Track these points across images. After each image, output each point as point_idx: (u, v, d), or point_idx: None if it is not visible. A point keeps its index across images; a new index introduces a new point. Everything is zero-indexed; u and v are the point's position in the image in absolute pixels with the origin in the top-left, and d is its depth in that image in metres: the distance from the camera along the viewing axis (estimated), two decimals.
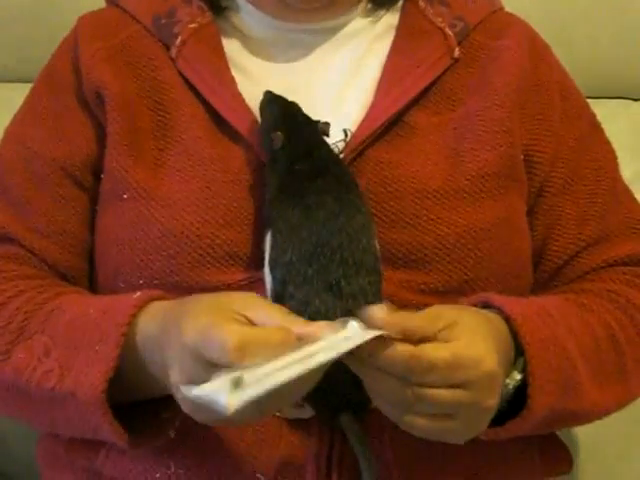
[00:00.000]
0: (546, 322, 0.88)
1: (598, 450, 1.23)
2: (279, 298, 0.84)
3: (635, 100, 1.36)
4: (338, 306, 0.82)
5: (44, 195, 0.98)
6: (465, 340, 0.77)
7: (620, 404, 0.95)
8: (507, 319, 0.85)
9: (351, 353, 0.74)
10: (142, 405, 0.86)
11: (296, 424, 0.89)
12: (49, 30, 1.23)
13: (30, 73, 1.08)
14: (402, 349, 0.75)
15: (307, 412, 0.87)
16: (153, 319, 0.83)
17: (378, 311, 0.76)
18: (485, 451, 0.91)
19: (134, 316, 0.83)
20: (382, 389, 0.77)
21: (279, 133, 0.89)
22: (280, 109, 0.92)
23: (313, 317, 0.81)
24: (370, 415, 0.87)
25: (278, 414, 0.89)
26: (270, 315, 0.76)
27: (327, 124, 0.92)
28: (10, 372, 0.88)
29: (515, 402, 0.85)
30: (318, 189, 0.87)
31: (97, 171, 0.99)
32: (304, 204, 0.85)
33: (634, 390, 0.96)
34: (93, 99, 0.98)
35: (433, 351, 0.76)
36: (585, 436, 1.21)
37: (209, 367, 0.73)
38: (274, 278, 0.84)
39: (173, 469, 0.89)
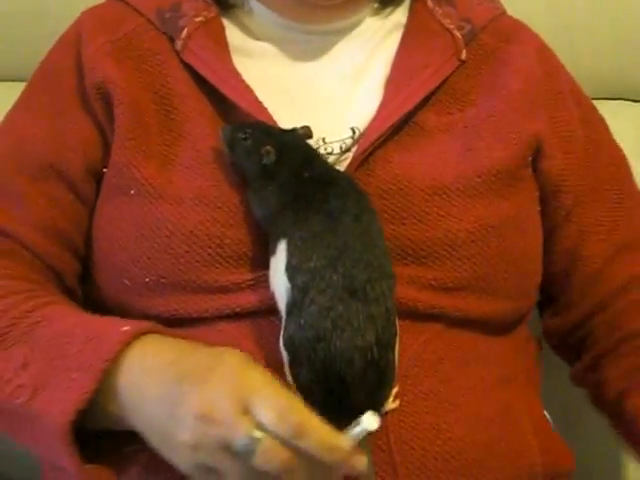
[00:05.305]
0: None
1: (602, 453, 1.24)
2: (296, 305, 0.83)
3: (636, 101, 1.36)
4: (361, 311, 0.82)
5: (37, 194, 0.97)
6: None
7: None
8: None
9: None
10: (103, 437, 0.85)
11: None
12: (46, 29, 1.21)
13: (26, 72, 1.06)
14: None
15: None
16: (147, 353, 0.82)
17: None
18: (487, 455, 0.91)
19: (120, 352, 0.81)
20: None
21: (269, 147, 0.89)
22: (252, 129, 0.91)
23: (335, 322, 0.81)
24: None
25: None
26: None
27: (307, 127, 0.92)
28: None
29: None
30: (337, 194, 0.87)
31: (95, 175, 0.97)
32: (325, 210, 0.85)
33: None
34: (95, 94, 0.97)
35: None
36: (589, 439, 1.22)
37: (244, 415, 0.73)
38: (294, 285, 0.83)
39: (168, 475, 0.86)
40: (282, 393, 0.74)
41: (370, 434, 0.83)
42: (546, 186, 1.01)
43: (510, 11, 1.08)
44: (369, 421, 0.76)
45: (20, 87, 1.05)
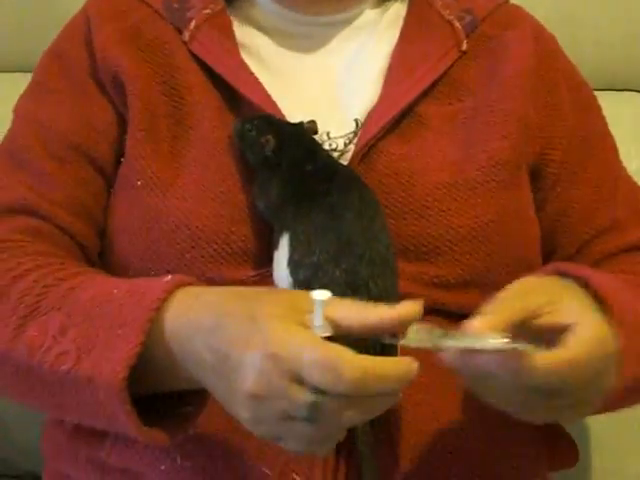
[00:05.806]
0: (626, 296, 0.86)
1: (606, 444, 1.23)
2: None
3: None
4: None
5: (66, 175, 0.96)
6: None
7: None
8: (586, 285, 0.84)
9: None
10: (159, 398, 0.83)
11: None
12: (51, 21, 1.22)
13: (32, 63, 1.06)
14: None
15: None
16: (189, 307, 0.79)
17: (480, 323, 0.76)
18: (491, 445, 0.91)
19: (164, 301, 0.79)
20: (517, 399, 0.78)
21: (269, 136, 0.89)
22: (259, 120, 0.91)
23: None
24: None
25: None
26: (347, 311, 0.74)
27: (313, 122, 0.92)
28: (22, 350, 0.83)
29: None
30: (339, 188, 0.86)
31: (119, 156, 0.97)
32: (328, 204, 0.85)
33: None
34: (110, 82, 0.97)
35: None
36: (594, 430, 1.22)
37: (296, 384, 0.71)
38: (296, 280, 0.83)
39: (179, 461, 0.87)
40: (326, 349, 0.70)
41: (372, 427, 0.84)
42: (528, 166, 1.00)
43: (513, 2, 1.08)
44: (320, 294, 0.73)
45: (26, 78, 1.04)
